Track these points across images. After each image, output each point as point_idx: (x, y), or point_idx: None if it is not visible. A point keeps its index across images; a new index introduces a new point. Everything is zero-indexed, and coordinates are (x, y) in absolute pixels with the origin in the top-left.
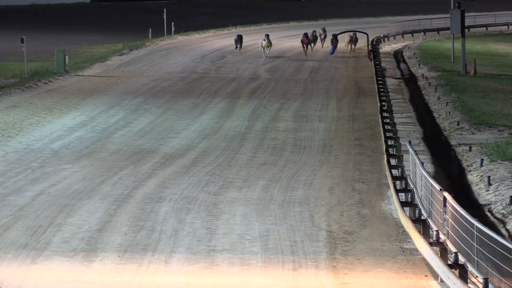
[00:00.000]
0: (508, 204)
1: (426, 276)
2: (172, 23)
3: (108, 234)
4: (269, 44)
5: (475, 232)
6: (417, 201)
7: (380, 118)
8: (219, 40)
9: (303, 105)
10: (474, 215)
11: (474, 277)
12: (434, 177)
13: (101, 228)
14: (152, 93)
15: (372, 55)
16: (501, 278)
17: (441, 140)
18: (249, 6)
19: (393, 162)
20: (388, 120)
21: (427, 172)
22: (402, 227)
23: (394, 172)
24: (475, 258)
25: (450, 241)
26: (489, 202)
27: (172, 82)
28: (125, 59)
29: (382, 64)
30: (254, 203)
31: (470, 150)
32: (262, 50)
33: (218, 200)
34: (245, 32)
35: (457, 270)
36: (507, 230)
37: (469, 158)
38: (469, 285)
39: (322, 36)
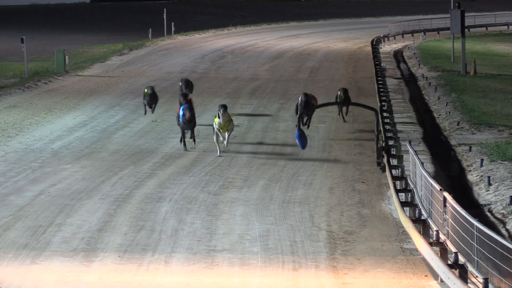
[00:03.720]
0: (508, 204)
1: (426, 276)
2: (172, 23)
3: (108, 234)
4: (229, 122)
5: (475, 232)
6: (417, 201)
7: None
8: (219, 40)
9: None
10: (474, 215)
11: (474, 277)
12: (434, 177)
13: (101, 228)
14: None
15: (385, 164)
16: (501, 278)
17: (441, 140)
18: (249, 6)
19: (393, 162)
20: (388, 120)
21: (427, 172)
22: (402, 227)
23: (394, 172)
24: (475, 258)
25: (450, 241)
26: (489, 202)
27: (172, 82)
28: (125, 59)
29: (382, 64)
30: (254, 203)
31: (470, 150)
32: (216, 139)
33: (218, 200)
34: (245, 32)
35: (457, 270)
36: (507, 230)
37: (469, 158)
38: (469, 285)
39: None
